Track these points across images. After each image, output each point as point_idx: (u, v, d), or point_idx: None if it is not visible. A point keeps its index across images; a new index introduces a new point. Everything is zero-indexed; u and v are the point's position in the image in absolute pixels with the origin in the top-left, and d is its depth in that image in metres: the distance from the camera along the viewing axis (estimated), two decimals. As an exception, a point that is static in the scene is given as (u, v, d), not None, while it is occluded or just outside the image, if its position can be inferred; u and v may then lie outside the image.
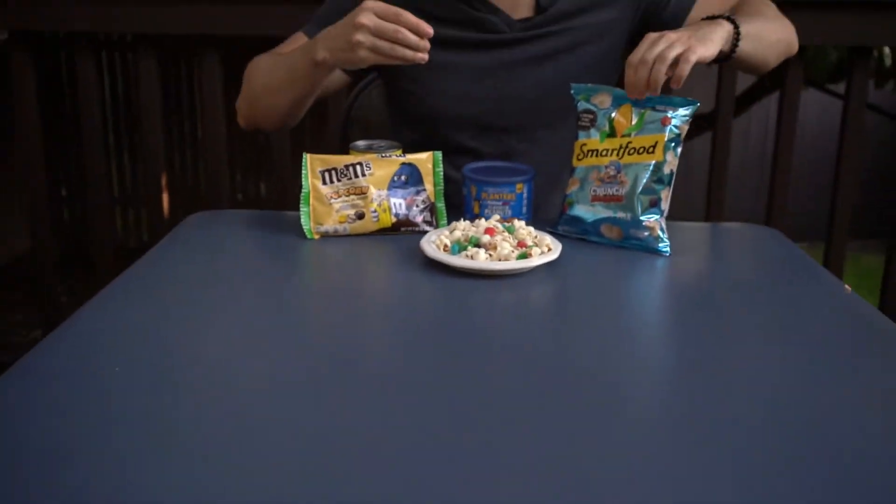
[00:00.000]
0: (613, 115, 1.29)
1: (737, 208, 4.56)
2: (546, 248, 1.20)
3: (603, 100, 1.30)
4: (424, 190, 1.36)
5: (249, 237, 1.36)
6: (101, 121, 2.19)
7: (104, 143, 2.23)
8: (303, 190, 1.33)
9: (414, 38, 1.23)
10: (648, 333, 1.03)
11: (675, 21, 1.48)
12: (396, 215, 1.34)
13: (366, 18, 1.24)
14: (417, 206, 1.35)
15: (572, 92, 1.33)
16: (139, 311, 1.04)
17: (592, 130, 1.30)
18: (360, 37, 1.24)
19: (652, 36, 1.23)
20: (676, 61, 1.19)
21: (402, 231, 1.35)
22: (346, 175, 1.34)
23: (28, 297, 3.32)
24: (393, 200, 1.34)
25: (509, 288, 1.14)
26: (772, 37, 1.43)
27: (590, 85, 1.32)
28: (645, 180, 1.25)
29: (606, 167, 1.28)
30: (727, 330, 1.02)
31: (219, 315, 1.04)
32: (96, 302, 1.06)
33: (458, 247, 1.19)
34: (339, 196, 1.33)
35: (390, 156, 1.35)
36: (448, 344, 0.96)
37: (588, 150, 1.30)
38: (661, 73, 1.19)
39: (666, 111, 1.24)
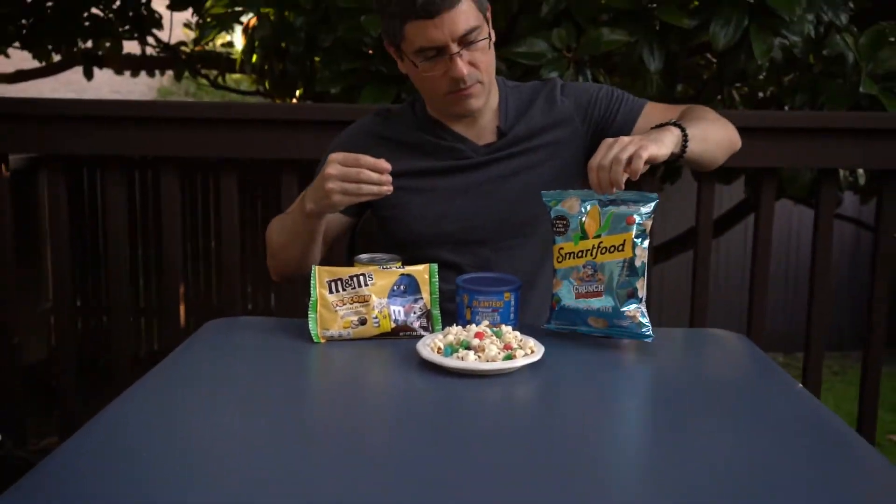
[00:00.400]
0: (584, 219, 1.42)
1: (724, 314, 4.70)
2: (530, 350, 1.33)
3: (572, 204, 1.45)
4: (421, 298, 1.49)
5: (262, 342, 1.49)
6: (126, 237, 2.34)
7: (127, 258, 2.37)
8: (311, 298, 1.47)
9: (375, 175, 1.45)
10: (620, 427, 1.15)
11: (622, 132, 1.66)
12: (396, 321, 1.47)
13: (332, 169, 1.46)
14: (415, 312, 1.48)
15: (544, 199, 1.48)
16: (160, 410, 1.16)
17: (567, 234, 1.44)
18: (331, 184, 1.46)
19: (608, 141, 1.40)
20: (630, 160, 1.35)
21: (402, 336, 1.48)
22: (350, 285, 1.48)
23: (41, 406, 3.41)
24: (393, 308, 1.48)
25: (496, 386, 1.26)
26: (716, 136, 1.59)
27: (559, 191, 1.48)
28: (619, 275, 1.38)
29: (584, 267, 1.42)
30: (694, 423, 1.13)
31: (234, 413, 1.16)
32: (119, 403, 1.18)
33: (451, 349, 1.32)
34: (344, 304, 1.47)
35: (390, 268, 1.50)
36: (441, 435, 1.08)
37: (566, 254, 1.44)
38: (619, 174, 1.35)
39: (630, 211, 1.39)
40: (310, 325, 1.47)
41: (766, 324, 2.31)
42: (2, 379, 2.33)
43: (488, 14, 1.61)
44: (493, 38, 1.62)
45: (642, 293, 1.39)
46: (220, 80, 4.38)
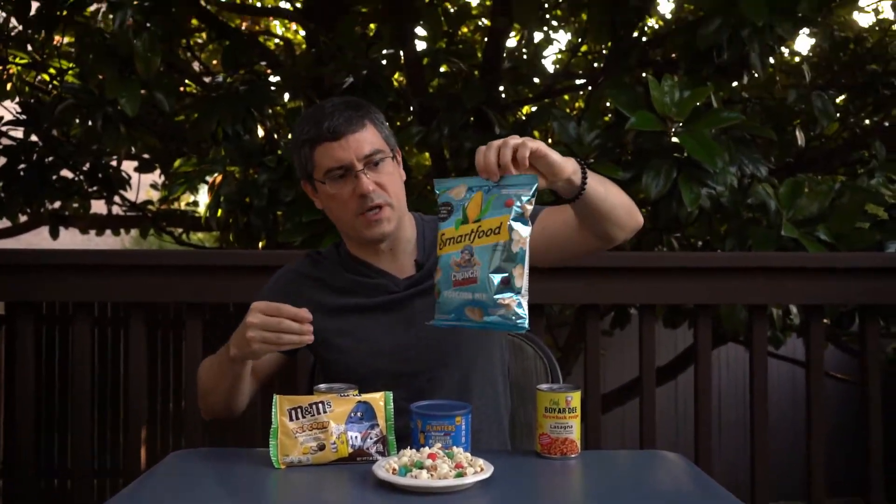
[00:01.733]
0: (466, 204, 1.42)
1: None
2: (479, 469, 1.41)
3: (459, 191, 1.44)
4: (377, 425, 1.57)
5: (223, 470, 1.54)
6: (90, 394, 2.39)
7: (91, 415, 2.41)
8: (272, 426, 1.54)
9: (295, 325, 1.52)
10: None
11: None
12: (353, 446, 1.54)
13: (253, 318, 1.53)
14: (371, 438, 1.56)
15: (436, 189, 1.49)
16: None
17: (450, 220, 1.43)
18: (251, 333, 1.53)
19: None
20: (517, 148, 1.39)
21: (359, 460, 1.54)
22: (310, 412, 1.55)
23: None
24: (350, 434, 1.55)
25: (449, 503, 1.33)
26: (618, 193, 1.62)
27: (451, 179, 1.48)
28: (495, 260, 1.36)
29: (462, 252, 1.39)
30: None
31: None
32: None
33: (405, 469, 1.39)
34: (304, 430, 1.54)
35: (348, 395, 1.58)
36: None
37: (447, 239, 1.42)
38: (507, 157, 1.39)
39: (510, 194, 1.38)
40: (271, 452, 1.53)
41: (725, 473, 2.38)
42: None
43: (398, 154, 1.76)
44: (403, 176, 1.77)
45: (520, 283, 1.36)
46: (184, 237, 4.52)
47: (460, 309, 1.39)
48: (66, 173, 3.97)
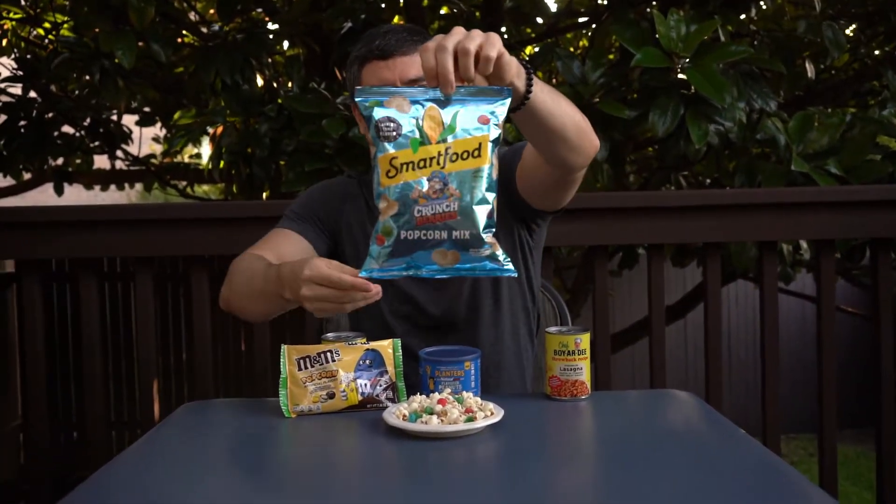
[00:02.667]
0: (421, 120, 1.15)
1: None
2: (490, 413, 1.40)
3: (401, 104, 1.16)
4: (387, 372, 1.57)
5: (235, 420, 1.55)
6: (101, 348, 2.39)
7: (103, 368, 2.41)
8: (281, 376, 1.54)
9: (359, 295, 1.31)
10: (576, 482, 1.22)
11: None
12: (363, 394, 1.54)
13: (307, 290, 1.35)
14: (381, 385, 1.55)
15: (357, 100, 1.18)
16: (131, 492, 1.21)
17: (401, 140, 1.15)
18: (310, 305, 1.40)
19: (449, 32, 1.17)
20: (478, 56, 1.14)
21: (369, 407, 1.54)
22: (318, 361, 1.55)
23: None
24: (359, 381, 1.55)
25: (460, 447, 1.33)
26: (568, 106, 1.39)
27: (376, 88, 1.19)
28: (478, 189, 1.14)
29: (429, 180, 1.14)
30: (651, 478, 1.20)
31: (210, 488, 1.21)
32: (91, 483, 1.23)
33: (415, 416, 1.39)
34: (313, 379, 1.54)
35: (356, 343, 1.57)
36: (410, 496, 1.14)
37: (401, 164, 1.14)
38: (470, 69, 1.13)
39: (483, 110, 1.15)
40: (281, 402, 1.53)
41: (726, 397, 2.38)
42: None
43: None
44: None
45: (495, 217, 1.17)
46: (188, 190, 4.50)
47: (423, 253, 1.14)
48: (67, 129, 3.94)
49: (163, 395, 4.86)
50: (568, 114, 1.39)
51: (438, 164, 1.13)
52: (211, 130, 2.96)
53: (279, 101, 2.81)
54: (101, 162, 4.49)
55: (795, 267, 3.13)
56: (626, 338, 3.94)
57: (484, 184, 1.13)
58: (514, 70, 1.21)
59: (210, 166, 2.97)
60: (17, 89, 3.87)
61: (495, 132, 1.14)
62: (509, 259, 1.14)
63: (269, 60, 3.30)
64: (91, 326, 2.37)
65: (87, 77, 2.99)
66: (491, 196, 1.13)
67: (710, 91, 2.36)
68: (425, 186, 1.13)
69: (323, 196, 1.83)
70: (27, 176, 4.37)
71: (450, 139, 1.13)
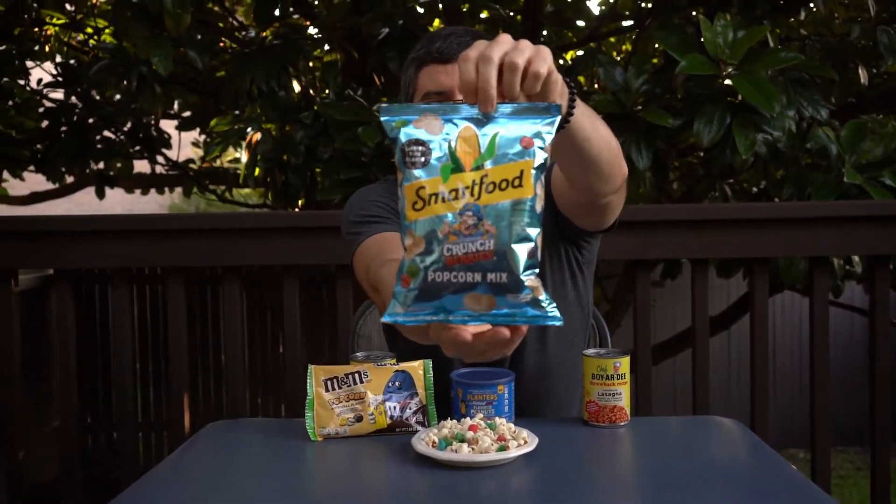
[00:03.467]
0: (454, 143, 0.98)
1: (735, 408, 4.62)
2: (523, 441, 1.34)
3: (430, 124, 1.00)
4: (417, 394, 1.51)
5: (260, 441, 1.51)
6: (132, 351, 2.38)
7: (132, 372, 2.40)
8: (307, 397, 1.49)
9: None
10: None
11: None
12: (391, 417, 1.49)
13: (450, 351, 1.05)
14: (410, 408, 1.50)
15: (382, 119, 1.02)
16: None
17: (431, 167, 0.98)
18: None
19: (491, 40, 1.02)
20: (526, 71, 1.00)
21: (398, 431, 1.49)
22: (346, 383, 1.50)
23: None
24: (388, 404, 1.50)
25: (491, 478, 1.27)
26: (605, 130, 1.30)
27: (403, 105, 1.02)
28: (517, 225, 0.96)
29: (461, 215, 0.96)
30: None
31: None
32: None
33: (445, 442, 1.33)
34: (340, 401, 1.49)
35: (385, 364, 1.52)
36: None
37: (430, 196, 0.97)
38: (516, 87, 0.99)
39: (526, 130, 0.98)
40: (307, 424, 1.48)
41: (779, 419, 2.30)
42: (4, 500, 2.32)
43: None
44: None
45: (539, 255, 0.98)
46: (227, 194, 4.50)
47: (453, 297, 0.96)
48: (108, 134, 3.96)
49: (193, 396, 4.90)
50: (604, 139, 1.29)
51: (472, 195, 0.97)
52: (247, 137, 2.94)
53: (315, 107, 2.78)
54: (141, 166, 4.51)
55: (845, 279, 3.01)
56: (666, 349, 3.84)
57: (525, 219, 0.96)
58: (559, 89, 1.07)
59: (246, 172, 2.95)
60: (59, 94, 3.90)
61: (541, 157, 0.97)
62: (554, 305, 0.98)
63: (308, 65, 3.27)
64: (123, 330, 2.36)
65: (126, 83, 2.99)
66: (534, 232, 0.96)
67: (759, 100, 2.27)
68: (455, 221, 0.96)
69: (373, 194, 1.73)
70: (69, 179, 4.42)
71: (487, 165, 0.97)
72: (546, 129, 0.98)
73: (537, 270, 0.97)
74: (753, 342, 2.27)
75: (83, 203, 6.37)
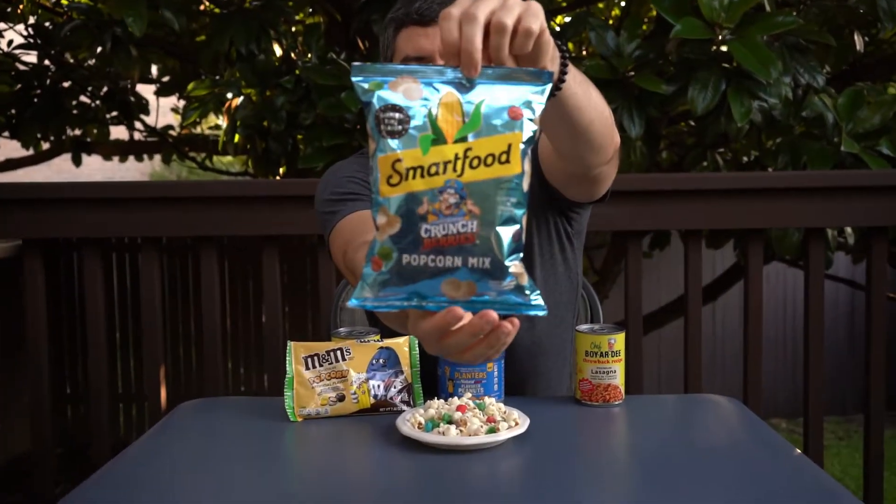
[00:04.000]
0: (435, 110, 0.87)
1: (723, 382, 4.60)
2: (514, 423, 1.28)
3: (408, 87, 0.88)
4: (402, 372, 1.45)
5: (236, 422, 1.44)
6: (106, 321, 2.30)
7: (108, 343, 2.32)
8: (286, 375, 1.42)
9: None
10: (607, 502, 1.09)
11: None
12: (375, 396, 1.42)
13: (433, 346, 0.94)
14: (395, 387, 1.44)
15: (353, 79, 0.90)
16: (129, 497, 1.10)
17: (409, 137, 0.87)
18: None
19: None
20: (516, 30, 0.89)
21: (382, 411, 1.43)
22: (327, 360, 1.43)
23: (27, 498, 3.32)
24: (372, 383, 1.43)
25: (480, 461, 1.21)
26: (598, 98, 1.21)
27: (377, 64, 0.89)
28: (503, 205, 0.86)
29: (441, 193, 0.86)
30: (688, 493, 1.08)
31: (206, 498, 1.10)
32: (85, 488, 1.13)
33: (432, 424, 1.27)
34: (321, 380, 1.42)
35: (369, 341, 1.45)
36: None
37: (407, 170, 0.86)
38: (504, 49, 0.88)
39: (514, 99, 0.87)
40: (286, 404, 1.42)
41: (763, 389, 2.25)
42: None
43: None
44: None
45: (524, 238, 0.89)
46: (207, 162, 4.40)
47: (430, 282, 0.87)
48: (85, 99, 3.84)
49: (174, 367, 4.83)
50: (598, 109, 1.20)
51: (455, 170, 0.86)
52: (226, 103, 2.84)
53: (297, 72, 2.68)
54: (120, 133, 4.40)
55: (835, 251, 2.96)
56: (652, 321, 3.79)
57: (512, 198, 0.86)
58: (551, 53, 0.96)
59: (225, 138, 2.85)
60: (32, 57, 3.77)
61: (529, 129, 0.87)
62: (538, 293, 0.88)
63: (290, 28, 3.16)
64: (96, 301, 2.27)
65: (100, 45, 2.87)
66: (520, 213, 0.87)
67: (755, 65, 2.20)
68: (436, 199, 0.86)
69: (348, 170, 1.63)
70: (46, 146, 4.30)
71: (471, 138, 0.86)
72: (536, 99, 0.88)
73: (521, 255, 0.88)
74: (748, 316, 2.21)
75: (62, 170, 6.24)
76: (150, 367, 2.30)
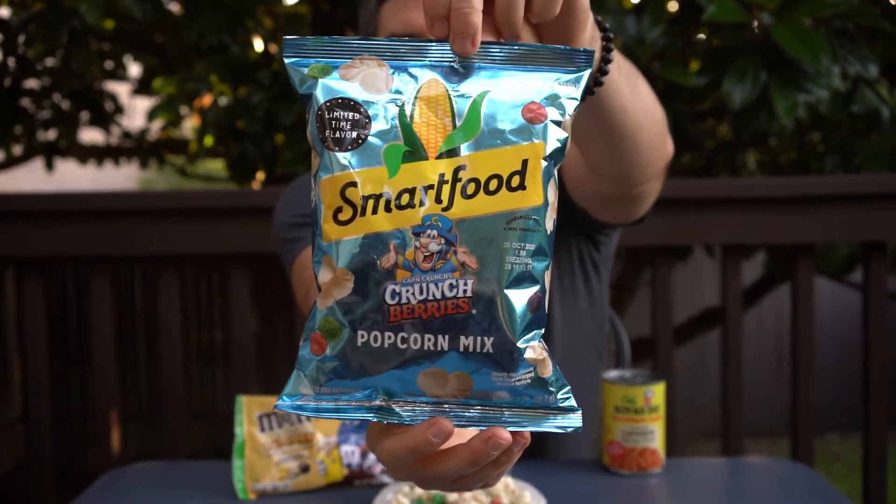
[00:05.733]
0: (410, 108, 0.58)
1: (757, 398, 4.28)
2: (526, 509, 0.97)
3: (370, 73, 0.59)
4: (382, 434, 1.13)
5: (170, 500, 1.13)
6: (113, 336, 2.00)
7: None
8: (236, 439, 1.12)
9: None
10: None
11: None
12: (349, 465, 1.12)
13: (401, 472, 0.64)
14: (374, 454, 1.12)
15: (285, 58, 0.60)
16: None
17: (367, 146, 0.57)
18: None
19: None
20: None
21: (356, 485, 1.12)
22: (287, 420, 1.12)
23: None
24: (344, 448, 1.13)
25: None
26: (647, 95, 0.94)
27: (323, 38, 0.60)
28: (513, 255, 0.57)
29: (419, 234, 0.57)
30: None
31: None
32: None
33: (419, 509, 0.96)
34: (280, 445, 1.12)
35: (340, 395, 1.14)
36: None
37: (365, 199, 0.57)
38: (517, 11, 0.58)
39: (529, 88, 0.59)
40: (234, 476, 1.11)
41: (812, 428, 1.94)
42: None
43: None
44: None
45: (547, 303, 0.60)
46: (187, 167, 4.10)
47: (400, 374, 0.57)
48: (53, 100, 3.55)
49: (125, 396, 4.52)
50: (647, 110, 0.91)
51: (439, 200, 0.56)
52: (196, 100, 2.54)
53: (274, 66, 2.38)
54: (95, 137, 4.11)
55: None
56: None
57: (528, 243, 0.56)
58: (589, 29, 0.68)
59: (196, 144, 2.55)
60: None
61: (556, 138, 0.58)
62: (568, 390, 0.58)
63: (269, 18, 2.86)
64: (36, 323, 1.98)
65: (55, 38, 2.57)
66: (541, 267, 0.57)
67: (803, 52, 1.88)
68: (410, 245, 0.56)
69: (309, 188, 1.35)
70: (18, 150, 4.01)
71: (465, 150, 0.57)
72: (567, 91, 0.59)
73: (542, 331, 0.57)
74: (797, 347, 1.90)
75: (51, 178, 5.97)
76: (98, 405, 2.00)
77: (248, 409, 1.13)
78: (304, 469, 1.11)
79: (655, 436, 1.16)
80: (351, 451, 1.12)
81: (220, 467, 1.17)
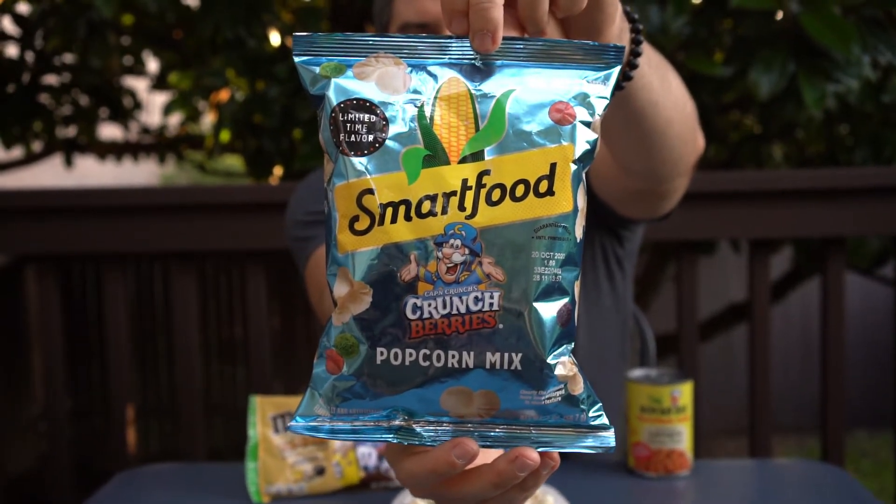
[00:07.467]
0: (432, 110, 0.55)
1: (783, 393, 4.21)
2: (548, 515, 0.94)
3: (387, 72, 0.56)
4: (400, 435, 1.10)
5: (181, 503, 1.10)
6: (128, 333, 2.00)
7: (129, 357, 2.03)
8: (249, 441, 1.09)
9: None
10: None
11: None
12: (366, 468, 1.09)
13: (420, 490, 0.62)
14: (391, 456, 1.09)
15: (295, 56, 0.58)
16: None
17: (386, 153, 0.55)
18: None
19: None
20: None
21: (373, 488, 1.09)
22: (302, 421, 1.09)
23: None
24: (361, 450, 1.10)
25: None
26: (678, 88, 0.90)
27: (336, 34, 0.58)
28: (541, 265, 0.54)
29: (441, 244, 0.54)
30: None
31: None
32: None
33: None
34: (295, 447, 1.09)
35: (356, 395, 1.11)
36: None
37: (383, 207, 0.55)
38: (542, 6, 0.55)
39: (556, 87, 0.56)
40: (247, 479, 1.08)
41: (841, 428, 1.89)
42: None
43: None
44: None
45: (577, 315, 0.57)
46: (207, 163, 4.09)
47: (422, 392, 0.54)
48: (73, 95, 3.54)
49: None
50: (678, 104, 0.87)
51: (463, 208, 0.54)
52: (212, 95, 2.51)
53: (291, 60, 2.35)
54: (116, 133, 4.10)
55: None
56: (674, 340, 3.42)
57: (558, 253, 0.53)
58: (619, 20, 0.66)
59: (212, 140, 2.53)
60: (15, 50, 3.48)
61: (585, 140, 0.55)
62: (600, 407, 0.56)
63: (286, 10, 2.83)
64: (51, 321, 1.97)
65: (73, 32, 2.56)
66: (571, 276, 0.54)
67: (832, 40, 1.83)
68: (432, 257, 0.53)
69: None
70: (38, 148, 4.02)
71: (489, 154, 0.54)
72: (596, 90, 0.56)
73: (572, 345, 0.55)
74: (827, 343, 1.84)
75: (74, 174, 6.00)
76: (115, 400, 1.98)
77: (262, 410, 1.10)
78: (320, 471, 1.08)
79: (683, 437, 1.12)
80: (368, 452, 1.09)
81: (234, 469, 1.14)
